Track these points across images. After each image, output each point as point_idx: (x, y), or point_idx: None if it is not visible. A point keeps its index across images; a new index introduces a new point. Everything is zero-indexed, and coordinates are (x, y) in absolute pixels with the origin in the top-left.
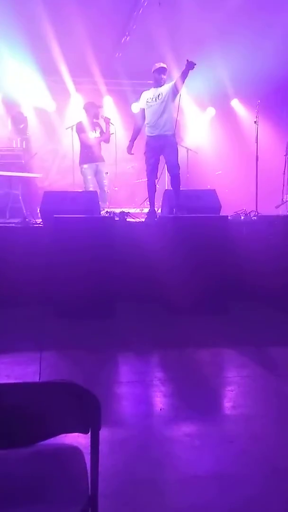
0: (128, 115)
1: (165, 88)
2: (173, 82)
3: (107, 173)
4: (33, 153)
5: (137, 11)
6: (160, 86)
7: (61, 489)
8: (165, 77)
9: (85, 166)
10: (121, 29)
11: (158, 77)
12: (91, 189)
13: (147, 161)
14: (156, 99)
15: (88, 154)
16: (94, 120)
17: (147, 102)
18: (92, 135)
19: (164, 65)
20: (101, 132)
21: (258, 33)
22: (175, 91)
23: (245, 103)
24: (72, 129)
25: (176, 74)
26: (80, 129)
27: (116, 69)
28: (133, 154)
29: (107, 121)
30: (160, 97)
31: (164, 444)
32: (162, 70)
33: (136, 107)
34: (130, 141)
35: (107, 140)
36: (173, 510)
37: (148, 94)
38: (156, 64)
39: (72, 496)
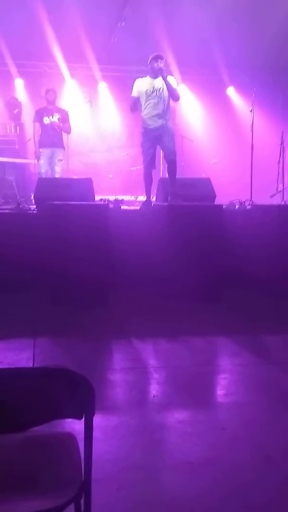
0: (123, 102)
1: (164, 84)
2: (172, 78)
3: (61, 160)
4: (27, 138)
5: None
6: (158, 77)
7: (54, 474)
8: (162, 64)
9: (40, 150)
10: (117, 14)
11: (153, 68)
12: (42, 172)
13: (144, 152)
14: (156, 92)
15: (44, 139)
16: (49, 107)
17: (146, 93)
18: (47, 120)
19: (156, 54)
20: (60, 119)
21: (255, 21)
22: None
23: (241, 92)
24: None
25: (172, 62)
26: (34, 115)
27: (112, 55)
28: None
29: (65, 113)
30: (160, 91)
31: (157, 430)
32: (157, 57)
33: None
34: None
35: (65, 131)
36: (166, 496)
37: (146, 85)
38: (151, 55)
39: (65, 482)
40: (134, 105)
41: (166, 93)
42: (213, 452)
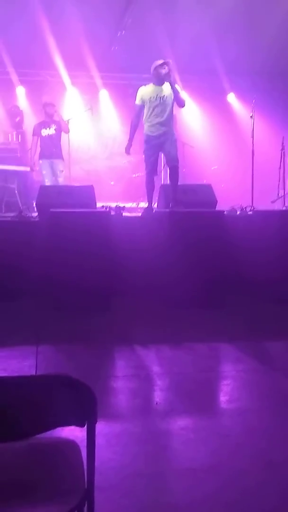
0: (124, 109)
1: (169, 91)
2: (176, 85)
3: (62, 171)
4: (29, 146)
5: (133, 5)
6: (162, 84)
7: (57, 482)
8: (166, 70)
9: (41, 161)
10: (117, 23)
11: (159, 74)
12: (47, 183)
13: (147, 159)
14: (160, 99)
15: (43, 150)
16: (47, 120)
17: (149, 100)
18: (45, 132)
19: (163, 61)
20: (57, 129)
21: (255, 27)
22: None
23: (241, 98)
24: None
25: (172, 69)
26: (33, 129)
27: (112, 63)
28: (130, 154)
29: (60, 117)
30: (164, 98)
31: (160, 437)
32: (163, 64)
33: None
34: (129, 140)
35: (64, 130)
36: (169, 503)
37: (150, 93)
38: (156, 62)
39: (68, 489)
40: (139, 114)
41: (170, 100)
42: (217, 459)
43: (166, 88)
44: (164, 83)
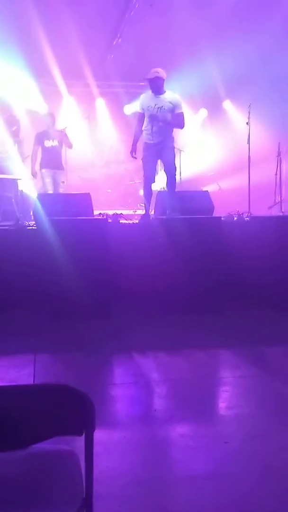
0: (120, 117)
1: (168, 102)
2: (178, 100)
3: (63, 182)
4: (26, 155)
5: (129, 13)
6: (161, 94)
7: (55, 491)
8: (163, 83)
9: (43, 170)
10: (113, 31)
11: (156, 85)
12: (50, 192)
13: (145, 167)
14: (158, 110)
15: (46, 160)
16: (49, 130)
17: (148, 109)
18: (48, 144)
19: (160, 74)
20: (59, 141)
21: (250, 34)
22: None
23: (237, 104)
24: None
25: (169, 77)
26: (35, 138)
27: (108, 71)
28: (136, 158)
29: (63, 134)
30: (163, 109)
31: (159, 445)
32: (159, 79)
33: (129, 109)
34: (133, 144)
35: (68, 147)
36: (168, 511)
37: (148, 101)
38: (152, 72)
39: (67, 498)
40: (140, 121)
41: (167, 110)
42: (216, 466)
43: (164, 97)
44: (162, 92)
